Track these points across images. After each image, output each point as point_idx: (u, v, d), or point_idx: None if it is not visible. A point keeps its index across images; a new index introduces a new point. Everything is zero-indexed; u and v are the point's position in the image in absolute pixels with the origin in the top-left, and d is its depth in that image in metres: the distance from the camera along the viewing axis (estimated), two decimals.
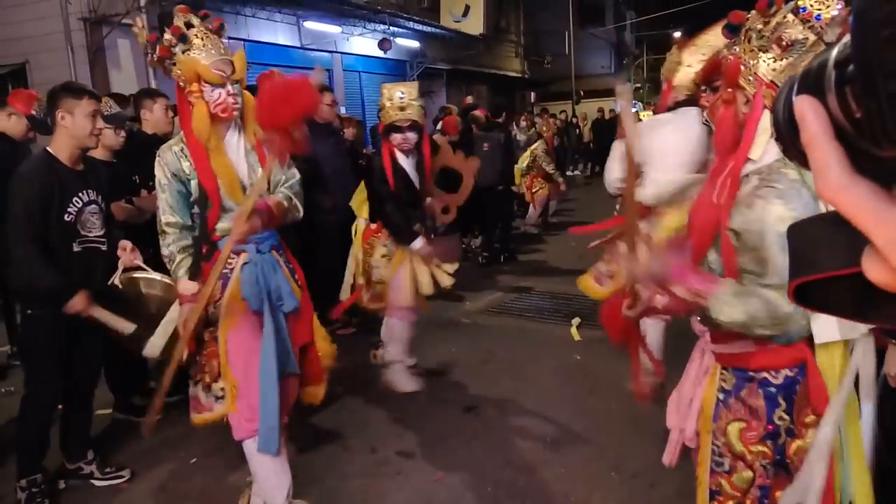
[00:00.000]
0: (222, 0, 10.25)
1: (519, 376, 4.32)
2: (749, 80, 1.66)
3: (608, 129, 17.12)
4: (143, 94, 4.19)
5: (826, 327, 1.67)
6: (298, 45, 12.83)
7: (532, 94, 23.41)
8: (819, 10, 1.58)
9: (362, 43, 14.35)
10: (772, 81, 1.61)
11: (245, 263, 2.60)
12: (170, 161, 2.54)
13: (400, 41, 14.88)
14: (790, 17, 1.60)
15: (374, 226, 4.07)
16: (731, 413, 1.76)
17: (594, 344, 4.86)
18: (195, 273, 2.56)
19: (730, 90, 1.70)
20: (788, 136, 0.42)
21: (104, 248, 3.09)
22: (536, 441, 3.46)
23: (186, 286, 2.55)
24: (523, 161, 9.46)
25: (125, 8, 9.34)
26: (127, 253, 3.05)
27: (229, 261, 2.55)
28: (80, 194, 2.98)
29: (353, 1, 13.37)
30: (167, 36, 2.47)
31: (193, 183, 2.55)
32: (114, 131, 3.66)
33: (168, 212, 2.55)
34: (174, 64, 2.49)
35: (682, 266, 1.63)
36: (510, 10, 21.87)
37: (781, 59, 1.61)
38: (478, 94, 19.57)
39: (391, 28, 14.10)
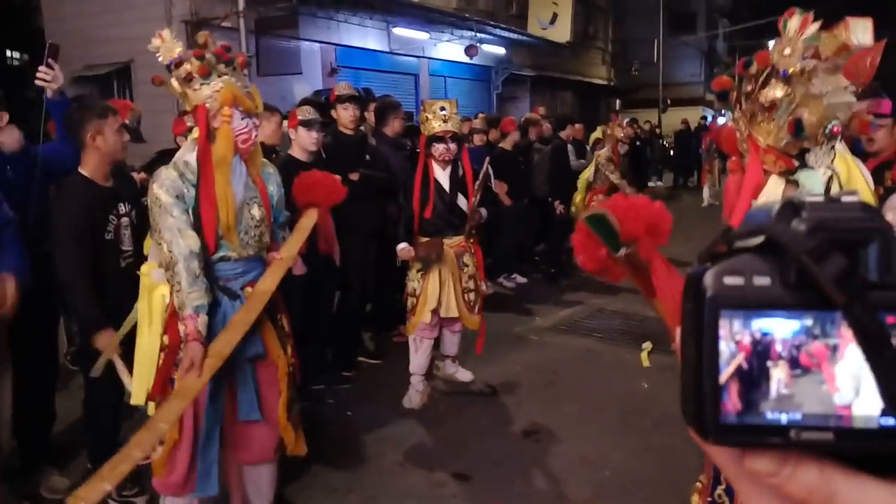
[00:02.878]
0: (316, 6, 10.53)
1: (583, 401, 4.26)
2: (744, 146, 1.61)
3: (692, 140, 16.65)
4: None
5: None
6: (387, 49, 13.05)
7: (617, 101, 22.96)
8: (785, 66, 1.52)
9: (449, 48, 14.46)
10: (768, 145, 1.55)
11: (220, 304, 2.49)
12: (171, 185, 2.39)
13: (486, 47, 14.90)
14: (772, 78, 1.55)
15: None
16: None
17: (664, 371, 4.71)
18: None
19: (734, 158, 1.66)
20: None
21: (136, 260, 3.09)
22: (595, 475, 3.40)
23: (202, 329, 2.35)
24: (587, 172, 8.34)
25: (224, 11, 9.76)
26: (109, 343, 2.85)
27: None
28: (115, 210, 3.04)
29: (442, 8, 13.50)
30: (208, 56, 2.40)
31: (190, 211, 2.43)
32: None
33: (178, 235, 2.35)
34: (202, 84, 2.39)
35: None
36: (598, 17, 21.55)
37: (770, 122, 1.55)
38: (562, 101, 19.40)
39: (478, 35, 14.14)
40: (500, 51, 15.75)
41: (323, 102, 5.25)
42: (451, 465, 3.50)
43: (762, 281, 0.36)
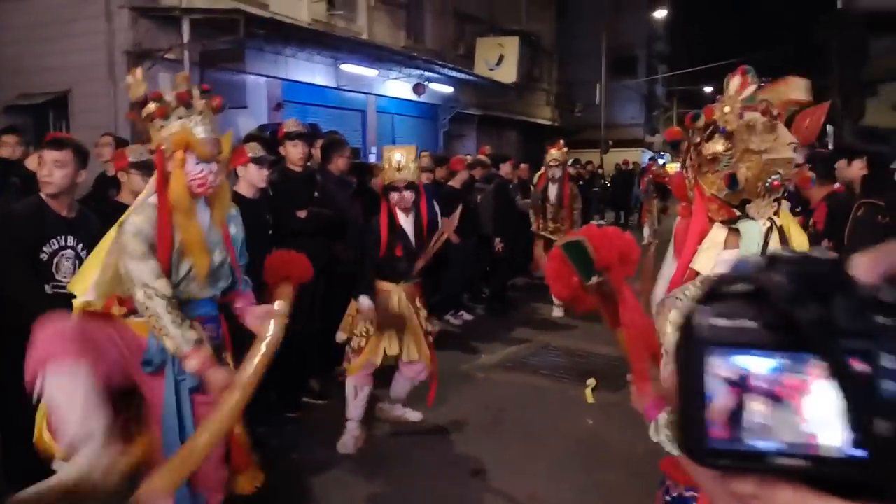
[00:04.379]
0: (263, 40, 10.52)
1: (530, 440, 4.26)
2: (692, 193, 1.69)
3: (629, 180, 17.23)
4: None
5: None
6: (335, 85, 13.10)
7: (561, 141, 23.59)
8: (724, 123, 1.61)
9: (397, 86, 14.61)
10: (712, 195, 1.64)
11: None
12: (142, 234, 2.35)
13: (434, 86, 15.12)
14: (715, 133, 1.63)
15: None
16: None
17: (609, 408, 4.77)
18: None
19: (683, 204, 1.73)
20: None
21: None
22: None
23: (217, 375, 2.38)
24: None
25: (168, 43, 9.64)
26: None
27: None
28: (59, 238, 3.15)
29: (391, 46, 13.67)
30: (168, 98, 2.37)
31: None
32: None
33: (154, 282, 2.33)
34: (162, 126, 2.38)
35: (650, 399, 1.67)
36: (543, 59, 22.16)
37: (714, 173, 1.62)
38: (507, 140, 19.76)
39: (426, 73, 14.35)
40: (448, 89, 16.01)
41: (269, 138, 5.21)
42: None
43: (746, 323, 0.40)
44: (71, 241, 3.19)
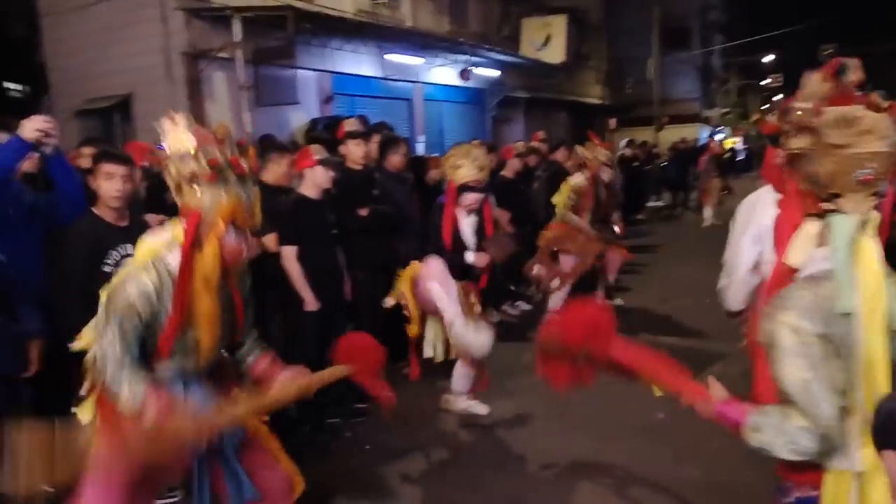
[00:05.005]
0: (311, 34, 10.60)
1: (598, 434, 4.23)
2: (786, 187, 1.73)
3: (686, 159, 16.67)
4: (270, 149, 4.42)
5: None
6: (381, 75, 13.13)
7: (612, 121, 23.13)
8: (802, 120, 1.61)
9: (443, 72, 14.56)
10: (802, 189, 1.64)
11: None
12: (148, 302, 2.15)
13: (480, 71, 15.01)
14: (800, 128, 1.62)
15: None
16: None
17: (678, 401, 4.71)
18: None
19: (781, 196, 1.79)
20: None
21: None
22: None
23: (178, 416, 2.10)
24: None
25: (222, 43, 9.82)
26: None
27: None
28: (120, 248, 3.18)
29: (435, 32, 13.60)
30: (223, 164, 2.16)
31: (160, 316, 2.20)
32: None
33: (124, 355, 2.14)
34: (208, 187, 2.14)
35: (721, 402, 1.76)
36: (592, 36, 21.73)
37: (801, 167, 1.63)
38: (556, 122, 19.51)
39: (471, 58, 14.25)
40: (494, 73, 15.86)
41: (327, 138, 5.28)
42: (471, 500, 3.47)
43: None
44: (130, 249, 3.13)
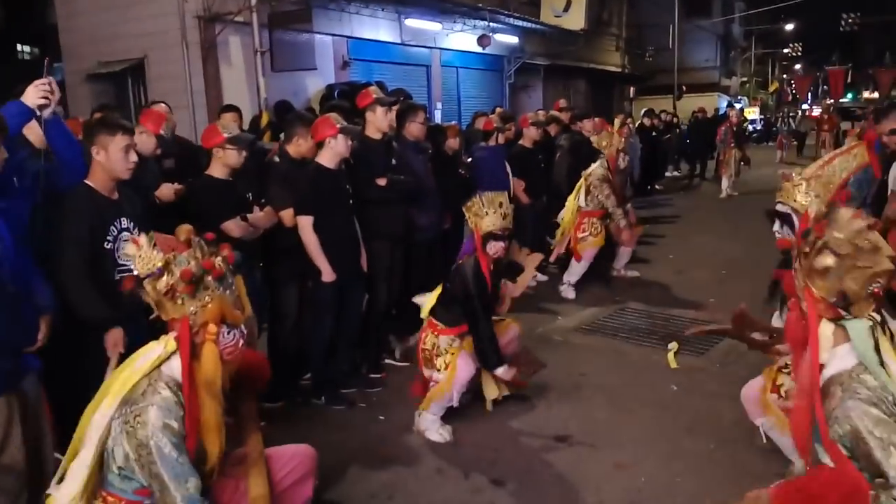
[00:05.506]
0: None
1: (612, 406, 4.24)
2: (801, 294, 2.00)
3: (705, 129, 16.40)
4: (298, 122, 4.36)
5: None
6: (399, 41, 12.98)
7: (632, 89, 22.79)
8: (835, 246, 1.92)
9: (461, 38, 14.37)
10: (821, 297, 1.95)
11: None
12: (172, 420, 2.07)
13: (499, 37, 14.80)
14: (825, 248, 1.93)
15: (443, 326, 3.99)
16: None
17: (692, 373, 4.72)
18: None
19: (792, 299, 2.05)
20: None
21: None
22: (630, 482, 3.39)
23: None
24: (573, 197, 6.78)
25: (237, 6, 9.71)
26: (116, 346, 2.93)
27: None
28: (116, 222, 3.09)
29: None
30: (192, 264, 2.12)
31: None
32: (237, 152, 3.84)
33: (186, 481, 2.05)
34: (189, 297, 2.10)
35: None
36: (612, 4, 21.32)
37: (823, 280, 1.93)
38: (575, 90, 19.26)
39: (491, 24, 14.03)
40: (513, 40, 15.64)
41: (345, 106, 5.22)
42: (487, 472, 3.50)
43: None
44: (125, 222, 3.14)
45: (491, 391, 4.09)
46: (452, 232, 5.59)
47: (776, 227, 3.17)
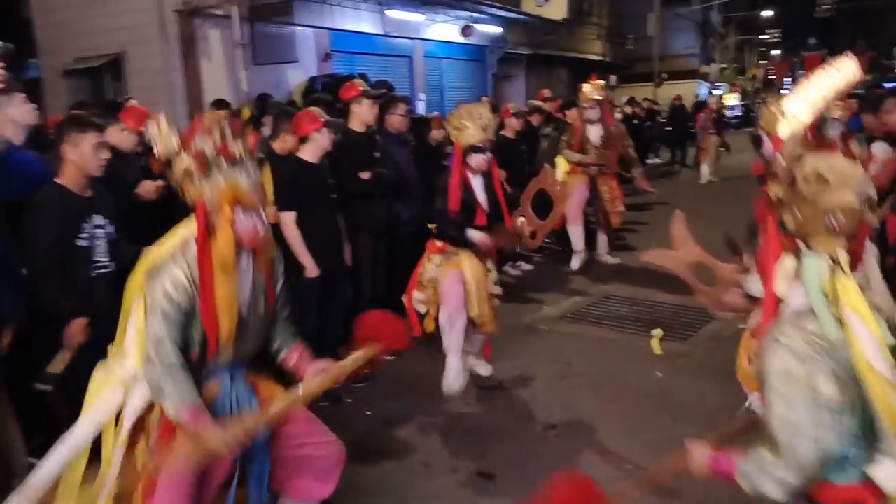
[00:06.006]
0: None
1: (599, 394, 4.28)
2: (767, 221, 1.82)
3: (685, 116, 16.57)
4: (285, 118, 4.44)
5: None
6: (381, 32, 12.90)
7: (613, 77, 22.81)
8: (779, 172, 1.75)
9: (443, 29, 14.31)
10: (782, 227, 1.76)
11: (217, 394, 2.36)
12: (183, 291, 2.20)
13: (481, 27, 14.77)
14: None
15: (439, 243, 4.00)
16: None
17: (677, 360, 4.77)
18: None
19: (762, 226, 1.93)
20: None
21: (111, 272, 3.17)
22: (617, 470, 3.42)
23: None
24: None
25: (217, 0, 9.60)
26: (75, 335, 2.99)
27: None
28: (89, 220, 3.10)
29: None
30: (207, 146, 2.17)
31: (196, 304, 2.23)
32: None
33: (168, 345, 2.19)
34: (204, 180, 2.18)
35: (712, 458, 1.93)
36: None
37: (781, 210, 1.74)
38: (558, 79, 19.27)
39: (473, 14, 14.00)
40: (496, 30, 15.60)
41: (328, 99, 5.20)
42: (475, 464, 3.52)
43: None
44: (99, 220, 3.14)
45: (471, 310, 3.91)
46: None
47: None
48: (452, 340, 3.88)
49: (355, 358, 2.52)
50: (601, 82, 7.12)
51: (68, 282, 3.01)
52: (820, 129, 1.79)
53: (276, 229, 3.99)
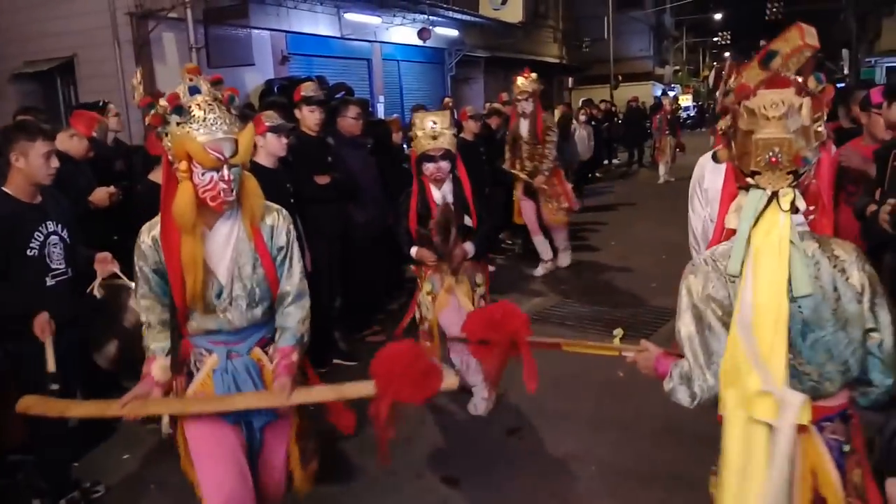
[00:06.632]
0: None
1: (562, 395, 4.30)
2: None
3: (641, 118, 16.94)
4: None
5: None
6: (339, 35, 12.82)
7: (570, 79, 23.09)
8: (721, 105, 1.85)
9: (401, 32, 14.29)
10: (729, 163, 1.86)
11: (215, 370, 2.32)
12: (147, 254, 2.26)
13: (439, 30, 14.78)
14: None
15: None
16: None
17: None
18: (173, 362, 2.32)
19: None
20: None
21: (70, 278, 3.14)
22: (583, 471, 3.46)
23: (157, 373, 2.28)
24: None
25: (171, 2, 9.42)
26: (106, 263, 3.06)
27: (199, 359, 2.35)
28: (41, 227, 3.03)
29: None
30: (162, 102, 2.11)
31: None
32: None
33: (144, 287, 2.30)
34: (165, 134, 2.13)
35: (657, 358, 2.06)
36: None
37: (729, 143, 1.79)
38: (514, 81, 19.40)
39: (430, 17, 14.01)
40: (453, 33, 15.65)
41: (284, 102, 5.14)
42: (438, 470, 3.52)
43: None
44: (51, 226, 3.07)
45: None
46: None
47: None
48: (473, 374, 3.89)
49: (356, 389, 2.39)
50: (534, 75, 7.05)
51: (21, 290, 2.96)
52: (766, 62, 1.78)
53: None
